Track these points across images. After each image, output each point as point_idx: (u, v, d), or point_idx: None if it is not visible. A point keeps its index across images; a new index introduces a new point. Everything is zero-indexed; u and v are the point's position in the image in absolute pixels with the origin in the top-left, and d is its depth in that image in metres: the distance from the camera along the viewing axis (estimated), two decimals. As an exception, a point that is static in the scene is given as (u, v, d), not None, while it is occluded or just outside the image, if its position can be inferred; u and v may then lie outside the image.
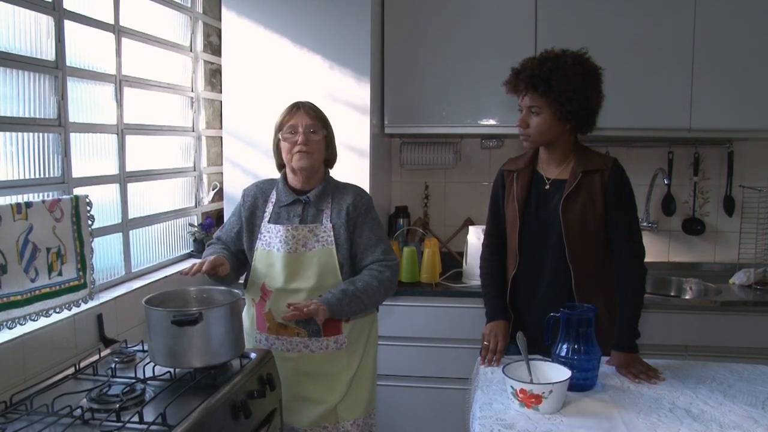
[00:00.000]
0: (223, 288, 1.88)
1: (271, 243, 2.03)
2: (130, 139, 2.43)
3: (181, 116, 2.91)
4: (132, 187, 2.47)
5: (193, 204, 3.03)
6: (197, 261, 1.94)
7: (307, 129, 2.01)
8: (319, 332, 2.02)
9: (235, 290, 1.85)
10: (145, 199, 2.59)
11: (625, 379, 1.83)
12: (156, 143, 2.68)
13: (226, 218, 2.89)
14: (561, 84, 1.96)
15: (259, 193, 2.13)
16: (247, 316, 2.10)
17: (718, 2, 2.84)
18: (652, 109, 2.90)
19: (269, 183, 2.17)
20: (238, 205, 2.17)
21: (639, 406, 1.63)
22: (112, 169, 2.36)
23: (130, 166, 2.44)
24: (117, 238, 2.39)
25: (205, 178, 3.08)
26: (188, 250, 2.93)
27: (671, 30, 2.88)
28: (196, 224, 2.99)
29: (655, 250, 3.31)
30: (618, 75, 2.82)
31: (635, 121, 2.92)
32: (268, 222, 2.07)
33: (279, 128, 2.06)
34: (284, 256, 1.99)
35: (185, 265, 2.77)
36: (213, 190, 3.10)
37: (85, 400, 1.54)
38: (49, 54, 1.99)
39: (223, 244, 2.16)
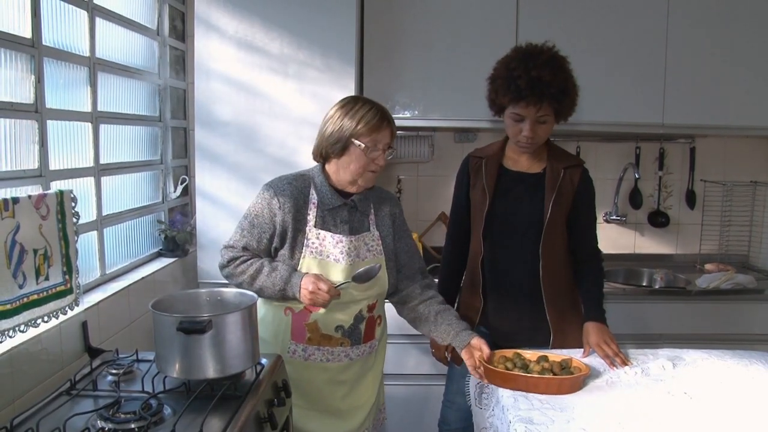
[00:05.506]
0: (236, 291, 1.73)
1: (325, 252, 1.83)
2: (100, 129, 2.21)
3: (145, 105, 2.68)
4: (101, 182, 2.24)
5: (160, 199, 2.81)
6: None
7: (386, 148, 1.83)
8: (360, 339, 1.90)
9: (249, 292, 1.71)
10: (109, 194, 2.34)
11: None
12: (118, 134, 2.43)
13: (197, 212, 2.70)
14: (571, 92, 1.99)
15: (296, 192, 1.83)
16: (274, 324, 1.87)
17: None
18: (627, 104, 2.96)
19: (301, 180, 1.87)
20: (267, 206, 1.82)
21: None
22: (85, 162, 2.14)
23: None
24: (91, 236, 2.17)
25: (171, 171, 2.87)
26: (157, 248, 2.72)
27: (645, 27, 2.94)
28: (164, 220, 2.77)
29: (623, 242, 3.40)
30: (595, 70, 2.86)
31: (610, 115, 2.97)
32: (314, 227, 1.84)
33: (356, 133, 1.78)
34: (346, 268, 1.82)
35: (157, 264, 2.57)
36: (182, 183, 2.89)
37: (99, 421, 1.36)
38: (24, 30, 1.76)
39: (253, 253, 1.85)
